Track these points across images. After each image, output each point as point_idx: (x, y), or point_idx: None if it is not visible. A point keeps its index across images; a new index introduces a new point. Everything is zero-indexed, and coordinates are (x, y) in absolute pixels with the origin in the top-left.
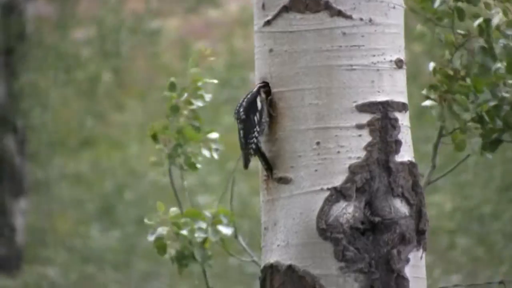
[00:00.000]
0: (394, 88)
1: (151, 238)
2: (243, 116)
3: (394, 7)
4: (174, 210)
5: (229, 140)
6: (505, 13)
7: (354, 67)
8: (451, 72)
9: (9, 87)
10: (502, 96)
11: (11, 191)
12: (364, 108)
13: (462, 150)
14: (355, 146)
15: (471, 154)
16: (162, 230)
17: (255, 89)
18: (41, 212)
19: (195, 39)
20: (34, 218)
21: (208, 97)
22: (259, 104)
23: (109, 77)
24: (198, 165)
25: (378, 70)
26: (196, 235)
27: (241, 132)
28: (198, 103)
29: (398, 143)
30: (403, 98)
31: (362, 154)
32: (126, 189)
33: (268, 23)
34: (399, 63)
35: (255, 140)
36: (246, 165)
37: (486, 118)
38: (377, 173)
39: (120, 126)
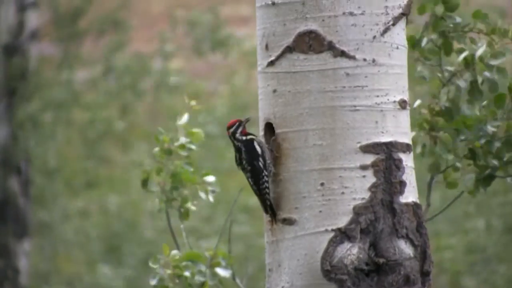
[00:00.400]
0: (398, 128)
1: (154, 282)
2: (249, 167)
3: (397, 48)
4: (175, 253)
5: (230, 181)
6: (490, 45)
7: (357, 107)
8: (436, 108)
9: (12, 129)
10: (493, 132)
11: (14, 233)
12: (368, 148)
13: (454, 188)
14: (359, 187)
15: (464, 190)
16: (163, 273)
17: (247, 138)
18: (45, 253)
19: (198, 80)
20: (38, 260)
21: (194, 146)
22: (258, 149)
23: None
24: (194, 208)
25: (381, 110)
26: (195, 278)
27: (251, 180)
28: (191, 147)
29: (402, 184)
30: (407, 139)
31: (367, 195)
32: (130, 230)
33: (271, 63)
34: (402, 104)
35: (267, 185)
36: (266, 210)
37: (480, 155)
38: (381, 214)
39: (124, 167)
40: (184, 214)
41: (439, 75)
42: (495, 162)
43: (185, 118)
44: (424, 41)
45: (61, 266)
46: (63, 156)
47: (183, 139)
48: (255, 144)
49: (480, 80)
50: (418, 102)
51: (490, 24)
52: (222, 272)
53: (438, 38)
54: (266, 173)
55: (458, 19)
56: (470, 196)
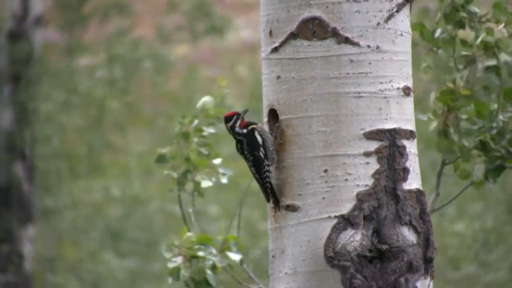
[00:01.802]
0: (401, 115)
1: (172, 265)
2: (251, 157)
3: (401, 35)
4: (189, 235)
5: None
6: (510, 35)
7: (361, 94)
8: (452, 87)
9: (16, 114)
10: (504, 123)
11: (19, 218)
12: (371, 135)
13: (466, 178)
14: (362, 173)
15: (474, 180)
16: (179, 257)
17: (248, 129)
18: (50, 239)
19: (203, 66)
20: (42, 245)
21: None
22: (259, 139)
23: (116, 105)
24: (208, 187)
25: (385, 97)
26: (206, 260)
27: (253, 169)
28: (209, 130)
29: (405, 170)
30: (410, 126)
31: (370, 181)
32: (133, 216)
33: (275, 50)
34: (406, 91)
35: (268, 174)
36: (267, 199)
37: (492, 144)
38: (384, 201)
39: (128, 153)
40: (198, 192)
41: (452, 64)
42: (505, 153)
43: (207, 99)
44: (438, 32)
45: (65, 252)
46: (67, 141)
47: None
48: (256, 134)
49: (502, 60)
50: (433, 94)
51: (509, 16)
52: (232, 256)
53: (453, 29)
54: (267, 162)
55: (475, 9)
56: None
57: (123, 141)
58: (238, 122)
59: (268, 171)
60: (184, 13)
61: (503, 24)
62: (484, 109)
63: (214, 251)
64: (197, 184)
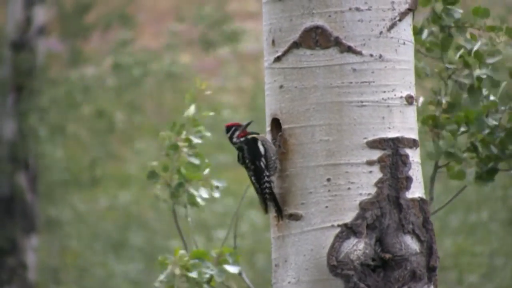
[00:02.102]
0: (404, 124)
1: (162, 277)
2: (252, 166)
3: (404, 43)
4: (183, 253)
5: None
6: (491, 41)
7: (364, 103)
8: (433, 106)
9: (19, 124)
10: (494, 124)
11: (22, 228)
12: (374, 144)
13: (460, 179)
14: (365, 182)
15: (467, 185)
16: (170, 272)
17: (248, 137)
18: (53, 249)
19: (206, 75)
20: (46, 256)
21: (207, 134)
22: (261, 149)
23: (121, 116)
24: (202, 202)
25: (388, 106)
26: (203, 276)
27: (253, 178)
28: (197, 140)
29: (408, 179)
30: (413, 135)
31: (373, 190)
32: (136, 225)
33: (278, 59)
34: (409, 100)
35: (268, 185)
36: (265, 210)
37: (480, 148)
38: (387, 209)
39: (132, 163)
40: (195, 204)
41: (437, 71)
42: (497, 153)
43: (191, 109)
44: (425, 33)
45: (69, 261)
46: (71, 152)
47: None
48: (259, 143)
49: (476, 75)
50: (421, 99)
51: (491, 20)
52: (230, 269)
53: (439, 32)
54: (267, 173)
55: (458, 15)
56: (472, 189)
57: (128, 151)
58: (236, 133)
59: (269, 181)
60: (194, 23)
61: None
62: (472, 115)
63: (210, 265)
64: (191, 197)
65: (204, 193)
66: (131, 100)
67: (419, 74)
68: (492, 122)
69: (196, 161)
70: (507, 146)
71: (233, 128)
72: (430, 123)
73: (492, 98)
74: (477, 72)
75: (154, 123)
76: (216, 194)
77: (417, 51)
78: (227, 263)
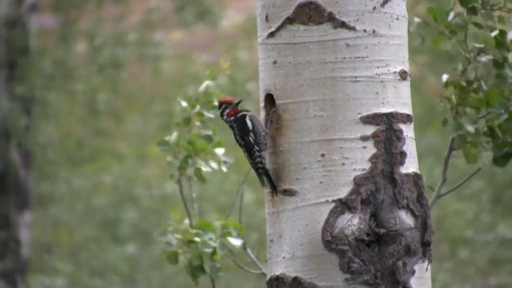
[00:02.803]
0: (398, 99)
1: (161, 239)
2: (242, 142)
3: (397, 19)
4: (185, 222)
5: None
6: None
7: (358, 78)
8: (464, 84)
9: (12, 101)
10: None
11: (15, 204)
12: (368, 119)
13: (474, 163)
14: (360, 157)
15: (482, 167)
16: (172, 239)
17: (238, 115)
18: (46, 225)
19: (199, 51)
20: (39, 232)
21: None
22: (249, 124)
23: (106, 90)
24: (208, 174)
25: (382, 81)
26: (205, 246)
27: (246, 154)
28: (210, 115)
29: (403, 154)
30: (407, 110)
31: (367, 165)
32: (129, 203)
33: (271, 34)
34: (403, 75)
35: (259, 159)
36: (262, 184)
37: (498, 132)
38: (382, 184)
39: (123, 138)
40: (201, 177)
41: (463, 52)
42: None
43: (209, 83)
44: (451, 15)
45: (62, 237)
46: (63, 129)
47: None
48: (247, 119)
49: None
50: (445, 77)
51: None
52: (233, 241)
53: (466, 14)
54: (257, 148)
55: None
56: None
57: (119, 127)
58: (227, 111)
59: (260, 156)
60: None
61: None
62: (494, 98)
63: (213, 236)
64: (197, 170)
65: (213, 164)
66: (113, 80)
67: (449, 55)
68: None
69: (208, 132)
70: None
71: (224, 106)
72: (455, 102)
73: None
74: (510, 55)
75: (141, 102)
76: (224, 169)
77: (441, 33)
78: (231, 235)
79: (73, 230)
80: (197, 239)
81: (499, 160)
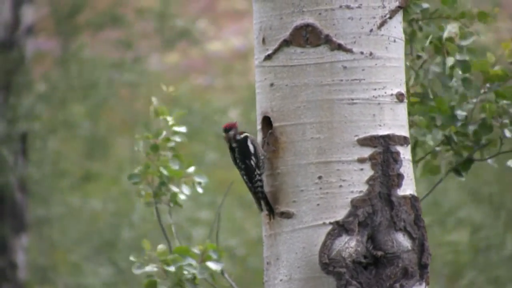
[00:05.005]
0: (395, 121)
1: (137, 271)
2: (243, 166)
3: (394, 41)
4: (161, 247)
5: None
6: (460, 29)
7: (355, 101)
8: (411, 93)
9: (7, 124)
10: (465, 116)
11: (12, 228)
12: (365, 142)
13: (435, 174)
14: (357, 180)
15: (442, 177)
16: (151, 268)
17: (241, 136)
18: (43, 248)
19: (194, 73)
20: (36, 255)
21: (183, 129)
22: (251, 148)
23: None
24: (184, 198)
25: (379, 104)
26: (185, 272)
27: (245, 177)
28: (176, 139)
29: (400, 176)
30: (404, 132)
31: (364, 188)
32: (124, 226)
33: (268, 57)
34: (400, 97)
35: (260, 183)
36: (260, 209)
37: (454, 138)
38: (379, 207)
39: (116, 163)
40: (176, 203)
41: (408, 63)
42: (470, 144)
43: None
44: None
45: (59, 260)
46: (58, 153)
47: (172, 128)
48: (249, 142)
49: (451, 62)
50: None
51: (458, 9)
52: (213, 266)
53: (407, 27)
54: (259, 171)
55: (425, 5)
56: (460, 185)
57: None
58: (232, 134)
59: (260, 180)
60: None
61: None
62: (445, 105)
63: (194, 262)
64: (173, 195)
65: (186, 190)
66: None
67: None
68: (462, 114)
69: (176, 163)
70: (480, 136)
71: (235, 127)
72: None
73: (461, 87)
74: (450, 59)
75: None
76: (200, 190)
77: None
78: (211, 259)
79: (70, 251)
80: (171, 269)
81: (462, 166)
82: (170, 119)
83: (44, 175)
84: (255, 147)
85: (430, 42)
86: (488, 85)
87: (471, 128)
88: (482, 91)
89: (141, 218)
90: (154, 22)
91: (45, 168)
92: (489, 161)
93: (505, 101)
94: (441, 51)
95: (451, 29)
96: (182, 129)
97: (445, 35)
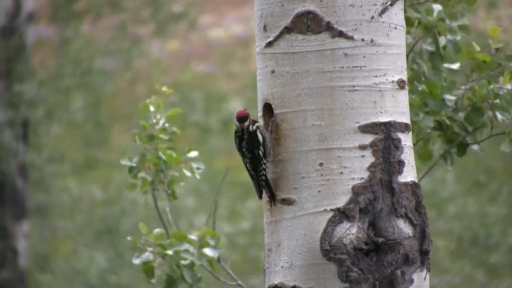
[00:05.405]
0: (396, 108)
1: (137, 261)
2: (249, 155)
3: (395, 28)
4: (158, 230)
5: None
6: (449, 10)
7: (356, 88)
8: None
9: (8, 111)
10: (456, 101)
11: (13, 215)
12: (366, 128)
13: (427, 160)
14: (358, 166)
15: (435, 162)
16: (148, 254)
17: (253, 128)
18: (44, 235)
19: (195, 60)
20: (37, 241)
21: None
22: (260, 137)
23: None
24: (182, 184)
25: (380, 90)
26: (183, 258)
27: (248, 165)
28: (173, 129)
29: (401, 163)
30: (405, 119)
31: (365, 174)
32: (125, 214)
33: (269, 44)
34: (401, 84)
35: (264, 172)
36: (260, 196)
37: (447, 122)
38: (380, 193)
39: (119, 149)
40: (172, 195)
41: None
42: (462, 130)
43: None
44: None
45: (59, 247)
46: (61, 140)
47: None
48: (258, 132)
49: (442, 42)
50: None
51: None
52: (210, 252)
53: None
54: (265, 160)
55: None
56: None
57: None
58: (246, 123)
59: (265, 169)
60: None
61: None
62: (437, 89)
63: (191, 248)
64: (171, 181)
65: (186, 172)
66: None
67: None
68: (451, 98)
69: (173, 152)
70: (472, 120)
71: (249, 118)
72: None
73: (453, 66)
74: (442, 39)
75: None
76: (198, 176)
77: None
78: (209, 246)
79: (71, 238)
80: (169, 252)
81: (457, 151)
82: (160, 116)
83: (44, 161)
84: (264, 137)
85: (419, 23)
86: (474, 76)
87: (461, 115)
88: (471, 79)
89: (141, 206)
90: (149, 7)
91: (45, 154)
92: (476, 147)
93: (496, 85)
94: (431, 32)
95: (438, 11)
96: (174, 128)
97: (436, 14)
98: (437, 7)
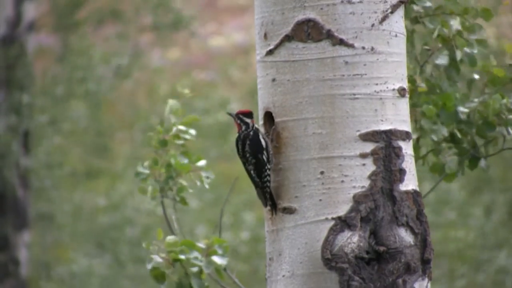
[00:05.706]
0: (397, 116)
1: (149, 266)
2: (253, 160)
3: (396, 36)
4: (171, 238)
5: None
6: (463, 24)
7: (357, 96)
8: (411, 86)
9: (9, 120)
10: (468, 114)
11: (14, 224)
12: (367, 137)
13: (437, 172)
14: (359, 175)
15: (447, 172)
16: (159, 259)
17: (252, 130)
18: (45, 244)
19: (196, 69)
20: (39, 251)
21: (193, 132)
22: (263, 142)
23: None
24: (191, 191)
25: (381, 98)
26: (192, 265)
27: (253, 172)
28: (186, 136)
29: (402, 172)
30: (406, 127)
31: (366, 183)
32: (128, 223)
33: (270, 52)
34: (401, 92)
35: (268, 178)
36: (265, 204)
37: (459, 135)
38: (381, 202)
39: (122, 158)
40: (182, 201)
41: (417, 56)
42: (471, 143)
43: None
44: None
45: (61, 256)
46: (63, 148)
47: (179, 128)
48: (260, 137)
49: (459, 56)
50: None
51: (461, 5)
52: (218, 260)
53: (410, 25)
54: (269, 166)
55: (429, 3)
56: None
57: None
58: (250, 121)
59: (269, 175)
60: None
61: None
62: (451, 101)
63: (199, 255)
64: (180, 189)
65: (196, 182)
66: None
67: None
68: (464, 110)
69: (185, 159)
70: (484, 134)
71: (247, 115)
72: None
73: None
74: (459, 53)
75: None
76: (206, 185)
77: None
78: (217, 254)
79: (72, 248)
80: (182, 257)
81: (468, 164)
82: (178, 120)
83: (46, 170)
84: (266, 142)
85: (438, 35)
86: (487, 90)
87: (473, 128)
88: (484, 93)
89: (145, 214)
90: (151, 15)
91: (43, 160)
92: (483, 163)
93: (510, 100)
94: (449, 44)
95: (454, 24)
96: (192, 131)
97: (455, 27)
98: (454, 20)
